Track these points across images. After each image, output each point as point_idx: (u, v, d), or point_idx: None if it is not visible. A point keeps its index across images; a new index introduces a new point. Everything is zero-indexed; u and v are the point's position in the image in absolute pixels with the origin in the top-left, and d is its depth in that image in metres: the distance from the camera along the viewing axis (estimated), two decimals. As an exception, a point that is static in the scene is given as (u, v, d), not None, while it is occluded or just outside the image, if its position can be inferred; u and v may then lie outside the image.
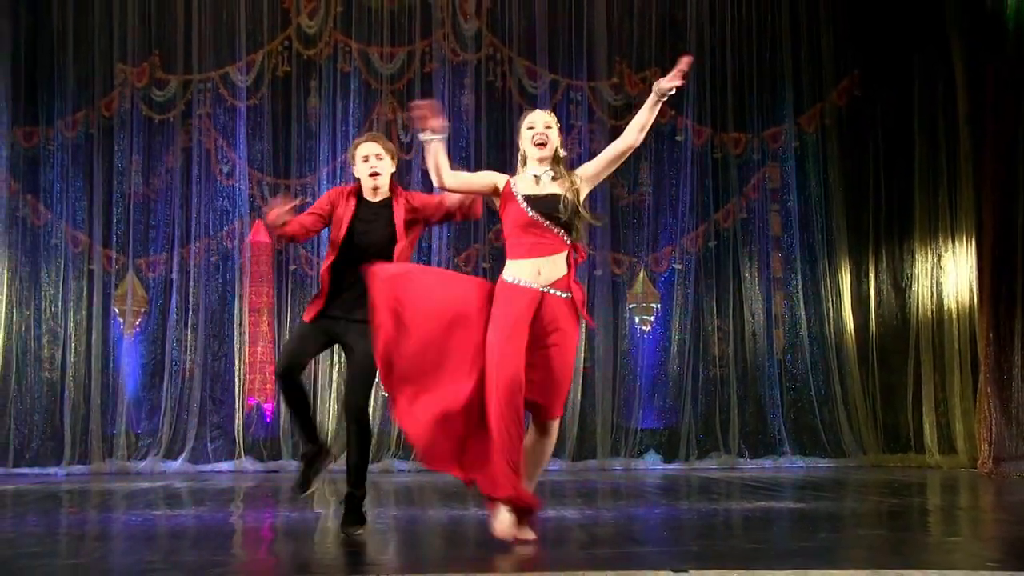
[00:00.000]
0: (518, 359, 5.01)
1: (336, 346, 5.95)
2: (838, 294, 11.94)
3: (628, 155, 5.39)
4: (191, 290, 11.48)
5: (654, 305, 11.81)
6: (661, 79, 5.35)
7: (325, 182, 11.40)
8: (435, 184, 5.33)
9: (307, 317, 5.74)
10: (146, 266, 11.52)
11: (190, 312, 11.45)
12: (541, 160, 5.24)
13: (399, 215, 5.67)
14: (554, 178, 5.23)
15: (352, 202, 5.74)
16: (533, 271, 5.12)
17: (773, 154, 12.06)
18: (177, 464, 11.02)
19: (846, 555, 4.81)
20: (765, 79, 12.05)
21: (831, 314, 11.88)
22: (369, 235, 5.65)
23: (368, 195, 5.76)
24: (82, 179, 11.53)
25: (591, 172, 5.35)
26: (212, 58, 11.66)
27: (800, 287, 11.90)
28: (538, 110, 5.48)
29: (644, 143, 11.57)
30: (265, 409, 11.23)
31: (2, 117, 11.40)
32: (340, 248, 5.66)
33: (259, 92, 11.62)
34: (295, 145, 11.61)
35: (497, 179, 5.29)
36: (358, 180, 5.78)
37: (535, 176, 5.22)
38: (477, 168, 11.47)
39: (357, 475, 5.74)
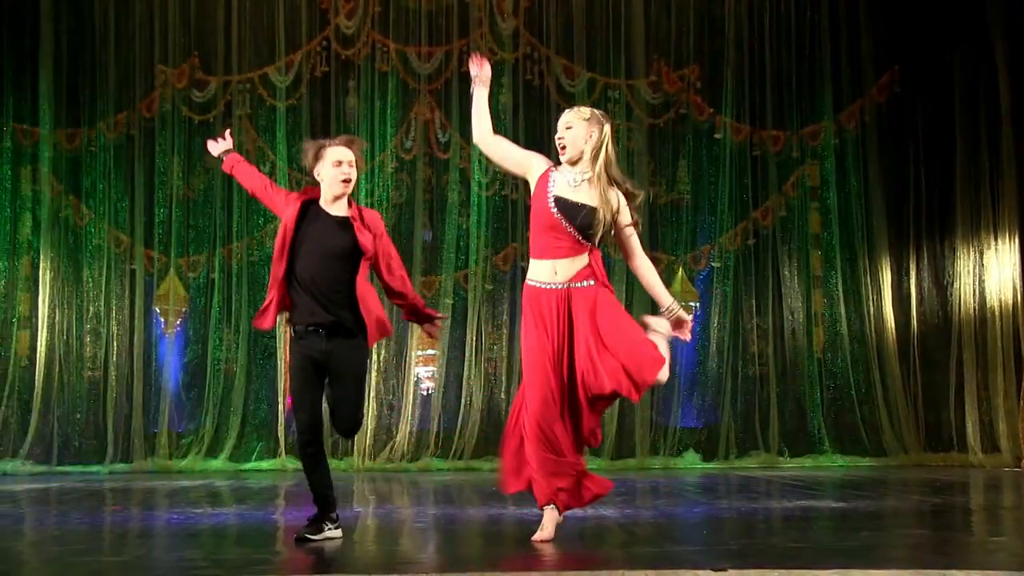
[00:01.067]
0: (552, 377, 5.04)
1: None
2: (878, 292, 11.87)
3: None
4: (232, 290, 11.57)
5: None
6: (684, 322, 5.30)
7: (364, 181, 11.45)
8: (474, 136, 5.25)
9: (268, 326, 5.47)
10: (187, 266, 11.63)
11: (231, 311, 11.54)
12: (569, 163, 5.21)
13: (363, 233, 5.34)
14: (590, 184, 5.16)
15: (297, 205, 5.39)
16: (550, 271, 5.12)
17: (812, 151, 12.01)
18: (219, 461, 11.10)
19: (888, 555, 4.79)
20: (804, 76, 12.00)
21: (871, 312, 11.82)
22: (326, 243, 5.33)
23: (327, 204, 5.39)
24: (123, 180, 11.66)
25: (622, 219, 5.26)
26: (251, 59, 11.76)
27: (840, 285, 11.84)
28: (565, 112, 5.38)
29: (682, 139, 11.68)
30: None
31: (45, 119, 11.52)
32: (291, 256, 5.32)
33: (297, 92, 11.70)
34: (334, 145, 11.64)
35: (536, 165, 5.22)
36: (312, 186, 5.46)
37: (574, 180, 5.17)
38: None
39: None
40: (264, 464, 11.17)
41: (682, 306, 5.46)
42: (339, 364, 5.33)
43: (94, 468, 11.05)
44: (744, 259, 11.88)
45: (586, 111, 5.25)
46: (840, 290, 11.84)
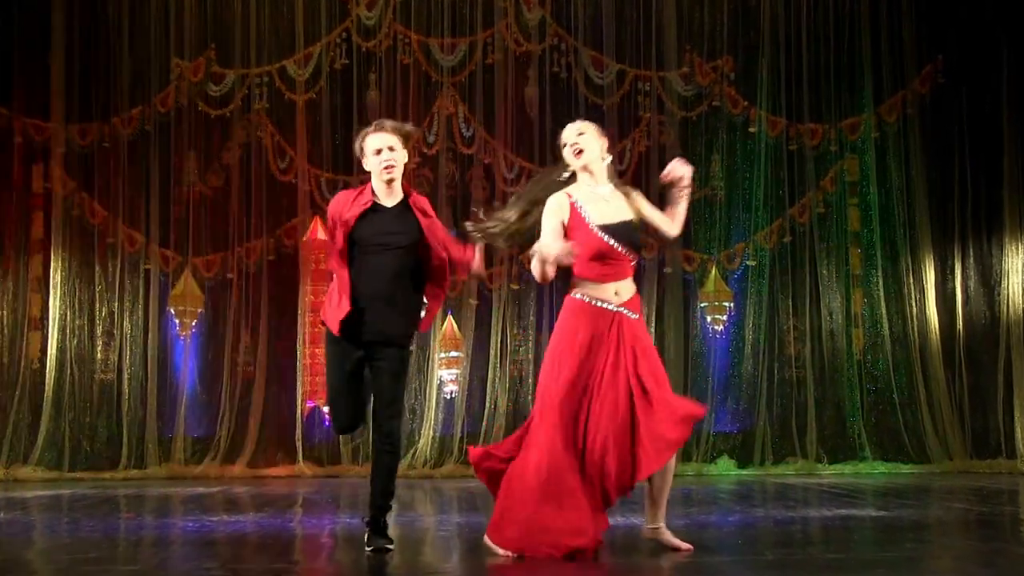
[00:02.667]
0: (579, 413, 5.00)
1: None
2: (921, 291, 11.81)
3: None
4: (250, 290, 11.61)
5: (727, 304, 11.76)
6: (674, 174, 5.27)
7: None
8: (539, 281, 5.15)
9: (334, 329, 5.37)
10: (203, 265, 11.68)
11: (248, 312, 11.58)
12: (585, 170, 5.19)
13: (422, 219, 5.37)
14: (618, 198, 5.20)
15: (362, 202, 5.37)
16: (610, 292, 5.11)
17: (852, 145, 11.96)
18: (236, 468, 11.12)
19: (932, 567, 4.74)
20: (843, 66, 11.95)
21: (914, 312, 11.76)
22: (387, 237, 5.32)
23: (382, 195, 5.39)
24: (138, 177, 11.72)
25: (646, 211, 5.29)
26: (269, 52, 11.81)
27: (881, 284, 11.79)
28: (567, 126, 5.35)
29: (716, 133, 11.66)
30: (324, 413, 11.30)
31: (57, 114, 11.58)
32: (354, 253, 5.33)
33: (317, 86, 11.74)
34: (354, 140, 11.63)
35: (561, 214, 5.13)
36: (366, 179, 5.45)
37: (602, 197, 5.17)
38: (542, 163, 11.57)
39: (384, 499, 5.40)
40: (281, 470, 11.18)
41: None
42: (378, 359, 5.32)
43: (107, 474, 11.09)
44: (780, 257, 11.85)
45: (592, 124, 5.28)
46: (881, 289, 11.79)
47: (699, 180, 11.77)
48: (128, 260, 11.64)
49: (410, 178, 11.62)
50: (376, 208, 5.36)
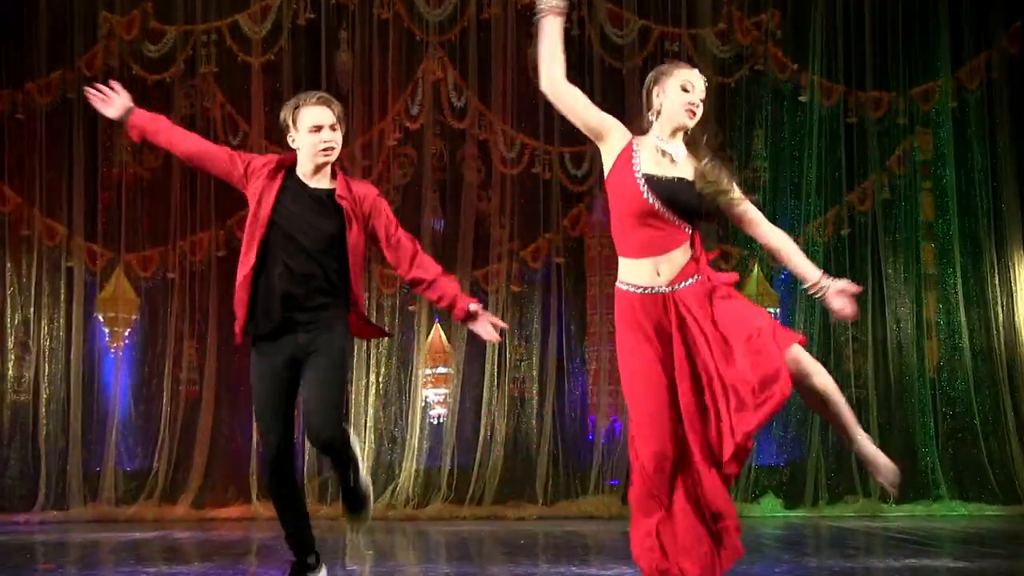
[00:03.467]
0: (667, 409, 5.01)
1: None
2: (1010, 295, 11.85)
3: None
4: (194, 292, 11.63)
5: (772, 309, 11.73)
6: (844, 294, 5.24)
7: (359, 157, 11.47)
8: (542, 81, 5.07)
9: (238, 340, 5.55)
10: (138, 263, 11.70)
11: (193, 320, 11.62)
12: (677, 131, 5.19)
13: (352, 218, 5.45)
14: (688, 156, 5.18)
15: (279, 178, 5.45)
16: (651, 272, 5.08)
17: (924, 118, 11.99)
18: (179, 509, 11.12)
19: (1022, 629, 4.75)
20: (914, 21, 11.96)
21: (1000, 320, 11.80)
22: (306, 222, 5.41)
23: (306, 176, 5.48)
24: (59, 155, 11.72)
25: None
26: (218, 3, 11.80)
27: (959, 286, 11.82)
28: (696, 70, 5.34)
29: (758, 103, 11.65)
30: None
31: (-43, 81, 11.63)
32: (264, 241, 5.38)
33: (276, 45, 11.73)
34: (321, 111, 11.66)
35: (615, 135, 5.12)
36: (290, 152, 5.51)
37: (663, 152, 5.15)
38: (549, 140, 11.58)
39: (351, 501, 5.64)
40: (233, 511, 11.18)
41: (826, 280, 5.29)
42: (313, 350, 5.39)
43: (21, 517, 11.03)
44: (837, 253, 11.87)
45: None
46: (960, 293, 11.82)
47: (739, 159, 11.79)
48: (47, 256, 11.66)
49: (390, 156, 11.66)
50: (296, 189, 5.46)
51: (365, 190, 5.55)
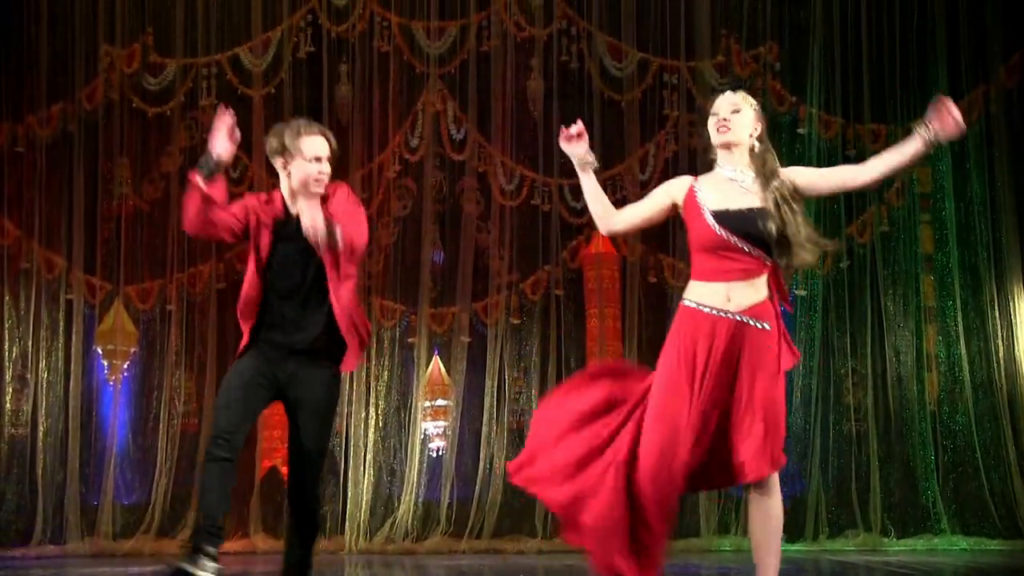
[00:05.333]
0: (684, 430, 5.04)
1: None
2: (1010, 328, 11.84)
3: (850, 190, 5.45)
4: (193, 325, 11.66)
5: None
6: (937, 119, 5.27)
7: (359, 188, 11.51)
8: (602, 230, 5.33)
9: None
10: (137, 295, 11.74)
11: (192, 352, 11.66)
12: (726, 147, 5.25)
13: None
14: (754, 179, 5.24)
15: (276, 210, 5.51)
16: (722, 296, 5.13)
17: (923, 150, 11.97)
18: (176, 543, 11.07)
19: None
20: (911, 54, 12.01)
21: (1001, 353, 11.79)
22: (303, 254, 5.43)
23: (293, 204, 5.51)
24: (59, 187, 11.79)
25: (804, 181, 5.33)
26: (218, 37, 11.90)
27: (959, 319, 11.81)
28: (726, 91, 5.45)
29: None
30: (283, 474, 11.31)
31: (-40, 112, 11.68)
32: (265, 272, 5.46)
33: (276, 78, 11.84)
34: (322, 144, 11.70)
35: (675, 193, 5.25)
36: (275, 185, 5.57)
37: (728, 179, 5.22)
38: (548, 172, 11.62)
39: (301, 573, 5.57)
40: (231, 544, 11.14)
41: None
42: (302, 395, 5.45)
43: (17, 552, 11.02)
44: (836, 286, 11.88)
45: (751, 99, 5.35)
46: (960, 325, 11.80)
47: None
48: (46, 289, 11.70)
49: (389, 188, 11.70)
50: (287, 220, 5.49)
51: (335, 200, 5.55)
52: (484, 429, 11.50)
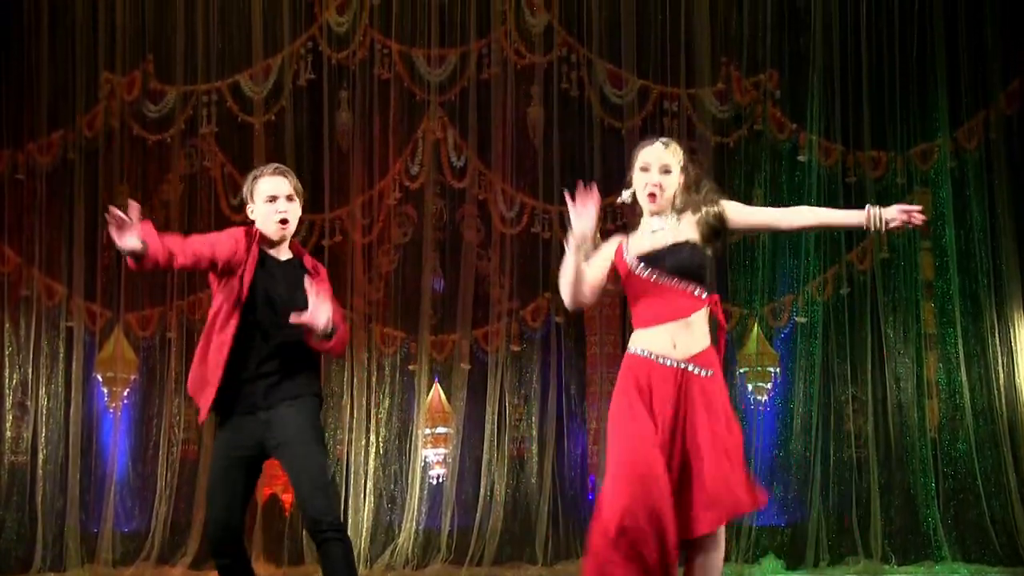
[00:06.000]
0: (654, 471, 5.08)
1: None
2: (1010, 354, 11.85)
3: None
4: (192, 352, 11.55)
5: (771, 369, 11.81)
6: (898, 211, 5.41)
7: (359, 216, 11.55)
8: (568, 304, 5.38)
9: (202, 418, 5.70)
10: (137, 323, 11.80)
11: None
12: (654, 214, 5.34)
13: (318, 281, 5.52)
14: (679, 218, 5.33)
15: (255, 251, 5.54)
16: (667, 342, 5.18)
17: (923, 177, 12.07)
18: (176, 571, 11.14)
19: None
20: (911, 82, 12.06)
21: (1001, 380, 11.79)
22: (282, 297, 5.50)
23: (268, 248, 5.61)
24: (58, 215, 11.86)
25: (734, 213, 5.41)
26: (218, 64, 11.97)
27: (960, 346, 11.82)
28: (657, 143, 5.48)
29: (757, 163, 11.69)
30: (284, 501, 11.36)
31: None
32: (243, 314, 5.47)
33: (277, 105, 11.89)
34: (323, 170, 11.82)
35: (608, 255, 5.35)
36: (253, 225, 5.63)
37: (652, 231, 5.30)
38: (548, 200, 11.67)
39: None
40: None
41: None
42: (282, 435, 5.48)
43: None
44: (836, 313, 11.90)
45: (680, 150, 5.42)
46: (960, 352, 11.82)
47: (738, 219, 11.83)
48: (46, 316, 11.75)
49: (389, 215, 11.73)
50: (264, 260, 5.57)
51: (315, 261, 5.74)
52: (485, 456, 11.54)
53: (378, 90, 11.91)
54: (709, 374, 5.17)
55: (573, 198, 5.20)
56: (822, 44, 11.96)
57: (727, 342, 5.48)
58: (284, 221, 5.56)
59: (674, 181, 5.34)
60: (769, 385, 11.78)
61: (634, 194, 5.44)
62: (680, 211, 5.34)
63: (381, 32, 11.92)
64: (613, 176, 11.62)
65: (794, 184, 11.95)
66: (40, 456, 11.51)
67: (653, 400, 5.11)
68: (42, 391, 11.63)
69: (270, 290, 5.51)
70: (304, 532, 11.11)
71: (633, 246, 5.29)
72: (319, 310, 5.37)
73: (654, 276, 5.19)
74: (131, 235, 5.14)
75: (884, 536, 11.43)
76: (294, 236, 5.77)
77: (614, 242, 5.38)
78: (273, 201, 5.55)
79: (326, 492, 5.48)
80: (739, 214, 5.43)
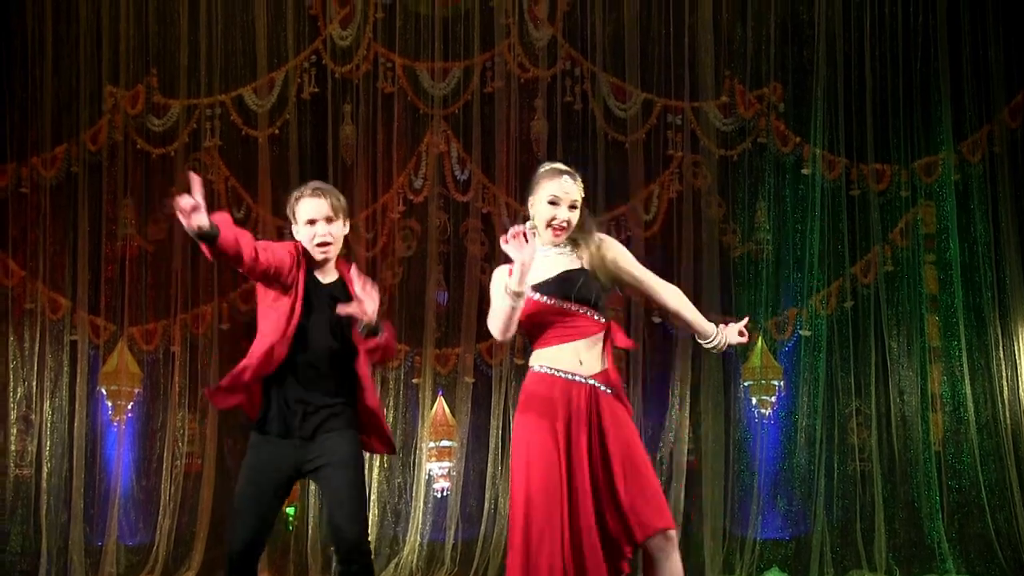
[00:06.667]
0: (559, 490, 5.18)
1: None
2: (1014, 368, 11.89)
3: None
4: (197, 365, 11.79)
5: (775, 382, 11.83)
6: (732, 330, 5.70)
7: (363, 230, 11.60)
8: (497, 336, 5.53)
9: (218, 404, 5.72)
10: (141, 336, 11.88)
11: (196, 393, 11.75)
12: (554, 245, 5.47)
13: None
14: (572, 248, 5.47)
15: (303, 272, 5.55)
16: (573, 359, 5.31)
17: (927, 190, 12.12)
18: (181, 584, 11.23)
19: None
20: (915, 95, 12.12)
21: (1005, 394, 11.83)
22: (327, 322, 5.51)
23: (317, 271, 5.62)
24: (62, 228, 11.96)
25: (613, 256, 5.53)
26: (222, 78, 12.06)
27: (964, 359, 11.86)
28: (565, 176, 5.60)
29: (761, 176, 11.72)
30: (289, 515, 11.40)
31: (-36, 154, 11.84)
32: (295, 336, 5.46)
33: (281, 119, 11.97)
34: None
35: (503, 283, 5.40)
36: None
37: (546, 256, 5.43)
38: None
39: None
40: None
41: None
42: (324, 463, 5.51)
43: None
44: (840, 326, 11.95)
45: (581, 183, 5.61)
46: (964, 365, 11.86)
47: (741, 233, 11.91)
48: (50, 330, 11.83)
49: (393, 229, 11.78)
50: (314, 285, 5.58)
51: (361, 275, 5.63)
52: (489, 470, 11.58)
53: (382, 103, 11.98)
54: (612, 392, 5.30)
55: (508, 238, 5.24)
56: (826, 57, 12.02)
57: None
58: (323, 244, 5.54)
59: (577, 216, 5.47)
60: (773, 398, 11.80)
61: (534, 224, 5.54)
62: (574, 242, 5.48)
63: (385, 46, 12.00)
64: (617, 189, 11.78)
65: (798, 197, 11.97)
66: (44, 469, 11.58)
67: (561, 417, 5.22)
68: (46, 404, 11.70)
69: (313, 317, 5.51)
70: (308, 547, 11.20)
71: (531, 275, 5.36)
72: (366, 300, 5.38)
73: (553, 301, 5.31)
74: (199, 214, 5.08)
75: (888, 549, 11.47)
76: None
77: (503, 271, 5.48)
78: (312, 224, 5.52)
79: (360, 521, 5.48)
80: (623, 260, 5.55)
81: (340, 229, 5.60)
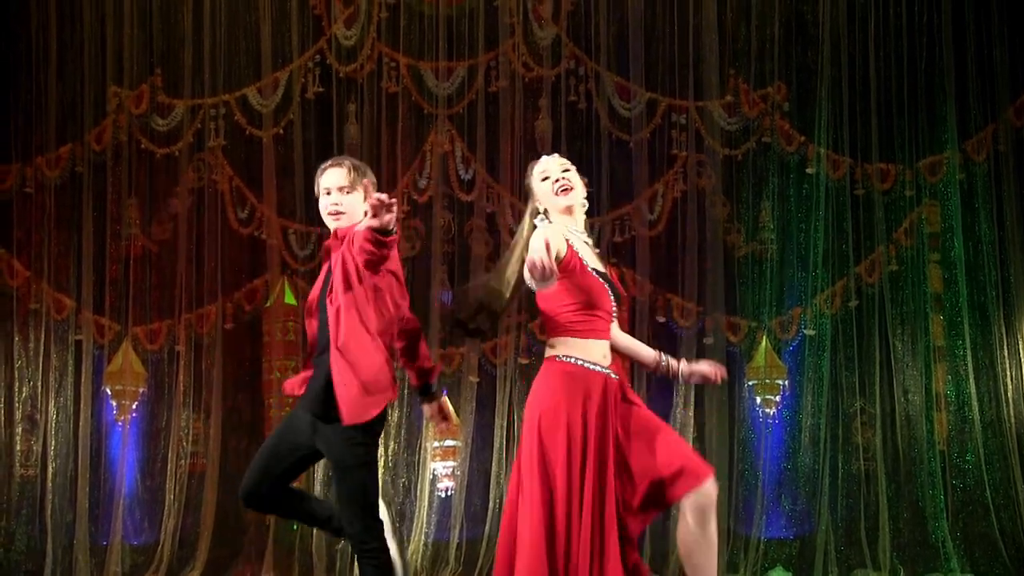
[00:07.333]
0: (570, 491, 5.25)
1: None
2: (1019, 366, 11.95)
3: None
4: (201, 365, 11.87)
5: (780, 381, 11.87)
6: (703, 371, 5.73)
7: (367, 230, 11.62)
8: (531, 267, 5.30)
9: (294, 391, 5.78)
10: (145, 336, 11.94)
11: (200, 392, 11.84)
12: (568, 211, 5.51)
13: (344, 264, 5.50)
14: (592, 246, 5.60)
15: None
16: (600, 354, 5.39)
17: (932, 189, 12.18)
18: (185, 583, 11.30)
19: None
20: (920, 95, 12.18)
21: (1010, 392, 11.88)
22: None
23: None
24: (67, 228, 12.02)
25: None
26: (226, 77, 12.11)
27: (968, 358, 11.93)
28: (543, 158, 5.74)
29: (765, 176, 11.76)
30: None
31: (-32, 155, 11.92)
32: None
33: (285, 118, 12.02)
34: (330, 184, 11.83)
35: (561, 242, 5.44)
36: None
37: (584, 243, 5.50)
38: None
39: None
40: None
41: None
42: (326, 453, 5.61)
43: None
44: (845, 325, 12.00)
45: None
46: (969, 365, 11.92)
47: (745, 232, 11.95)
48: (55, 330, 11.89)
49: (398, 229, 11.80)
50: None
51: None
52: (493, 469, 11.63)
53: (386, 103, 12.03)
54: (615, 377, 5.38)
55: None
56: (830, 56, 12.08)
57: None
58: (333, 214, 5.66)
59: (578, 181, 5.53)
60: (777, 398, 11.83)
61: (545, 214, 5.59)
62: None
63: (389, 45, 12.05)
64: (621, 188, 11.82)
65: (802, 197, 12.02)
66: (49, 469, 11.63)
67: (589, 406, 5.26)
68: (51, 404, 11.76)
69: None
70: (314, 545, 11.24)
71: (582, 252, 5.45)
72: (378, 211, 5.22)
73: (609, 295, 5.41)
74: (391, 215, 5.17)
75: (893, 548, 11.51)
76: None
77: (560, 232, 5.46)
78: (328, 194, 5.68)
79: (356, 514, 5.50)
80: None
81: (353, 200, 5.67)
